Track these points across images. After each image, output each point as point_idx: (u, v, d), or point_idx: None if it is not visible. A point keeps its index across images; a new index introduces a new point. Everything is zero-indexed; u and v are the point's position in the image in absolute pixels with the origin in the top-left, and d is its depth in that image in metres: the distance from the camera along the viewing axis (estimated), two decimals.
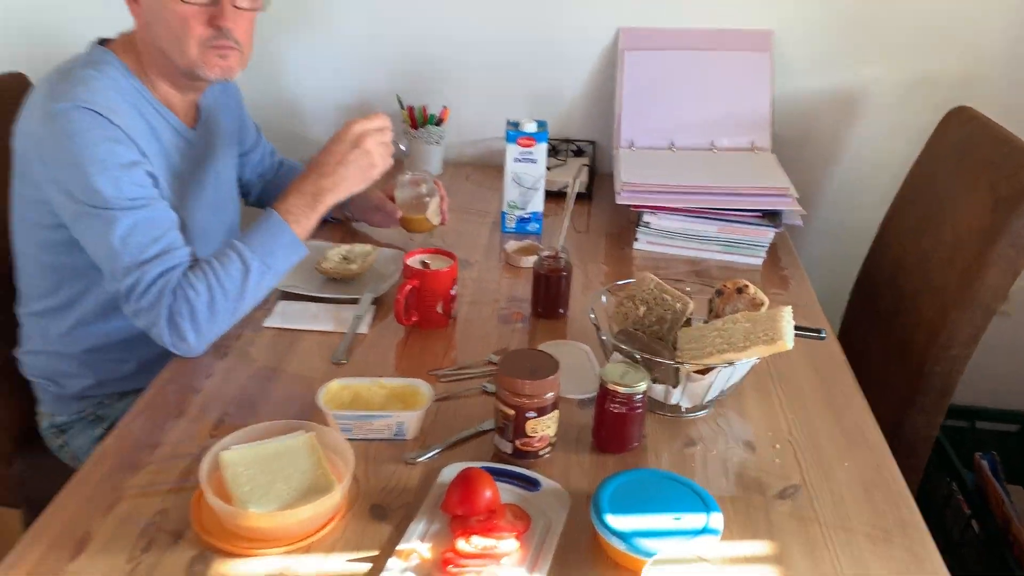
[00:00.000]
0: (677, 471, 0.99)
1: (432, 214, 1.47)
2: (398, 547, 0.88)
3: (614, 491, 0.92)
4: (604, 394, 1.03)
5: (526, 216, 1.62)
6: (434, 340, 1.29)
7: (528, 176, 1.58)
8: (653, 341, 1.13)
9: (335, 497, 0.90)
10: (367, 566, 0.87)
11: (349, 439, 0.98)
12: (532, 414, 0.99)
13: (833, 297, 1.84)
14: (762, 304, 1.14)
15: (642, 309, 1.17)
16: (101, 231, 1.14)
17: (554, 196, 1.74)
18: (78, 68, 1.21)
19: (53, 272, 1.30)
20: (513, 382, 0.98)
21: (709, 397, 1.10)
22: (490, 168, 1.94)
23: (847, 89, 1.87)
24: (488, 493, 0.92)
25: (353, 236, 1.59)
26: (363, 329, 1.29)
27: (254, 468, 0.93)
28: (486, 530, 0.89)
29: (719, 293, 1.18)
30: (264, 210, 1.26)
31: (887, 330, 1.59)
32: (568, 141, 1.97)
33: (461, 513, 0.91)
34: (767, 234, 1.55)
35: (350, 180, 1.27)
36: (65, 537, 0.89)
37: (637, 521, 0.87)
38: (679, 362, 1.06)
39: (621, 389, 1.01)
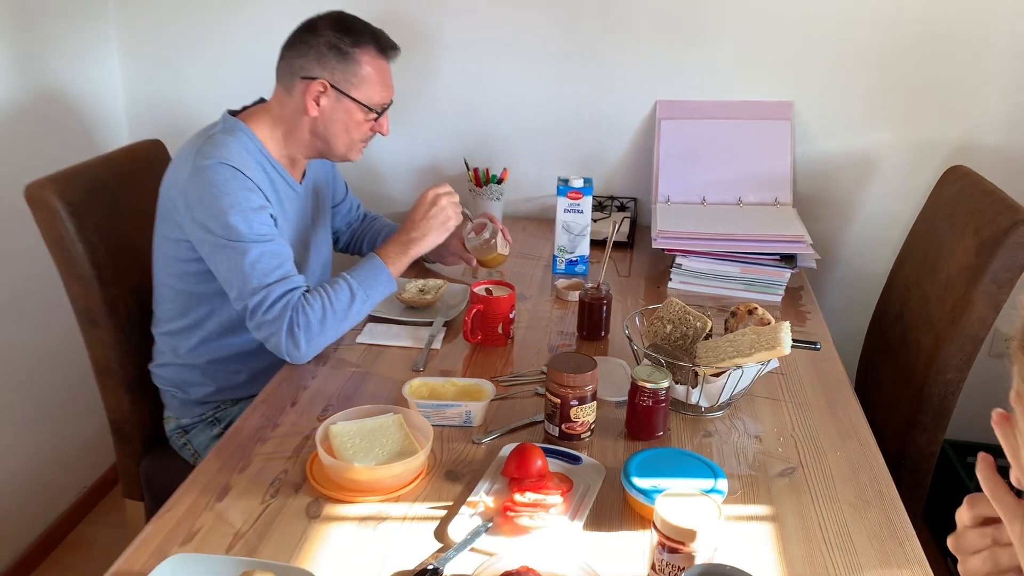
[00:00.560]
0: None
1: (500, 247, 1.74)
2: (468, 499, 1.12)
3: (640, 461, 1.15)
4: (634, 390, 1.26)
5: (574, 259, 1.88)
6: (495, 355, 1.54)
7: (576, 224, 1.85)
8: (676, 351, 1.37)
9: (419, 458, 1.15)
10: (443, 512, 1.11)
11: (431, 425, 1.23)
12: (575, 402, 1.23)
13: (853, 336, 2.05)
14: (768, 323, 1.37)
15: (668, 327, 1.41)
16: (235, 259, 1.43)
17: (599, 244, 2.01)
18: (218, 134, 1.53)
19: (184, 298, 1.60)
20: (560, 375, 1.23)
21: (723, 398, 1.32)
22: (543, 221, 2.22)
23: (861, 152, 2.11)
24: (539, 462, 1.16)
25: (427, 273, 1.87)
26: (436, 345, 1.56)
27: (356, 437, 1.19)
28: (537, 488, 1.12)
29: (733, 314, 1.41)
30: (367, 255, 1.57)
31: (893, 361, 1.79)
32: (612, 198, 2.24)
33: (517, 476, 1.14)
34: (784, 274, 1.78)
35: (433, 232, 1.60)
36: (211, 487, 1.15)
37: (657, 482, 1.10)
38: (696, 365, 1.29)
39: (648, 385, 1.25)
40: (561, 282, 1.81)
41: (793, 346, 1.28)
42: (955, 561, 0.72)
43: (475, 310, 1.53)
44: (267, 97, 1.63)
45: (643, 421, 1.27)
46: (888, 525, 1.11)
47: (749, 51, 2.09)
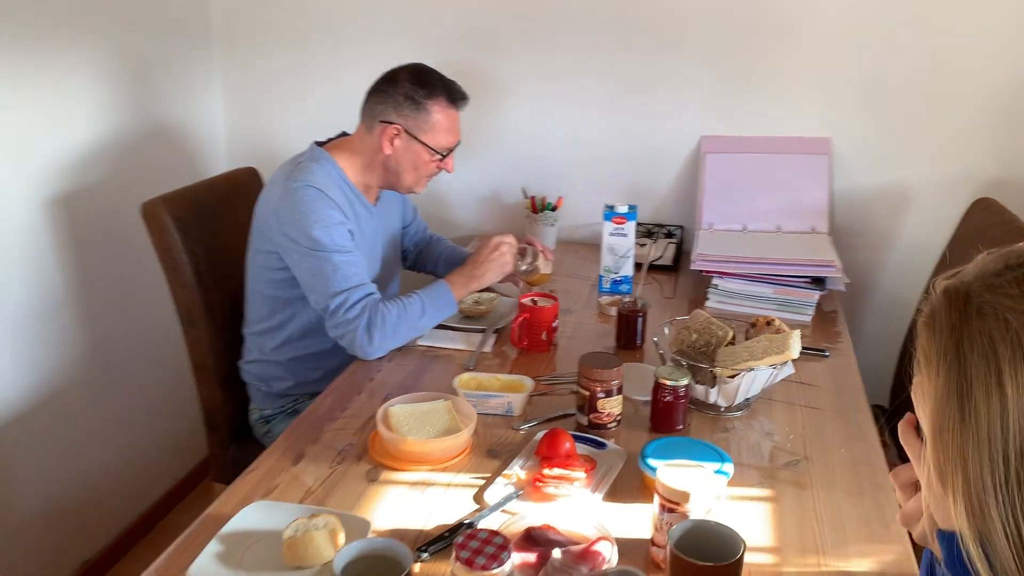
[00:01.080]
0: None
1: (543, 267, 1.92)
2: (504, 472, 1.30)
3: (657, 446, 1.30)
4: (657, 387, 1.42)
5: (618, 279, 2.05)
6: (538, 360, 1.72)
7: (620, 246, 2.02)
8: (699, 356, 1.52)
9: (463, 435, 1.33)
10: (482, 482, 1.29)
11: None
12: (601, 395, 1.40)
13: (887, 361, 2.15)
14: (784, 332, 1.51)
15: (694, 336, 1.57)
16: (318, 266, 1.66)
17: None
18: (305, 161, 1.77)
19: (271, 303, 1.84)
20: (589, 370, 1.40)
21: (739, 398, 1.47)
22: (594, 246, 2.37)
23: (896, 185, 2.22)
24: (567, 444, 1.33)
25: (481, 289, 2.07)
26: (487, 349, 1.75)
27: (411, 417, 1.38)
28: (564, 465, 1.29)
29: (753, 325, 1.56)
30: (437, 281, 1.80)
31: None
32: (661, 225, 2.41)
33: (548, 455, 1.31)
34: (813, 296, 1.91)
35: (491, 273, 1.82)
36: (288, 454, 1.36)
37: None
38: (712, 367, 1.45)
39: (669, 383, 1.41)
40: (604, 299, 1.98)
41: (803, 352, 1.42)
42: None
43: (522, 318, 1.72)
44: (348, 131, 1.87)
45: (664, 416, 1.43)
46: (877, 509, 1.24)
47: (789, 91, 2.24)
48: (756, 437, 1.44)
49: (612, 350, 1.77)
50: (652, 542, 1.12)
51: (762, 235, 2.19)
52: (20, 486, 1.98)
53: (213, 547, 1.11)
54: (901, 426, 0.81)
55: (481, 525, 1.16)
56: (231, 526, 1.15)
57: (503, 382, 1.53)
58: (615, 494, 1.27)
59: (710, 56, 2.26)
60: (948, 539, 0.71)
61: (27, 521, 2.01)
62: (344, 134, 1.89)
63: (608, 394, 1.41)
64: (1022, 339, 0.66)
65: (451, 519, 1.20)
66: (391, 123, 1.76)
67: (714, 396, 1.47)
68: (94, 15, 2.08)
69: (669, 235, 2.38)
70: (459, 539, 0.98)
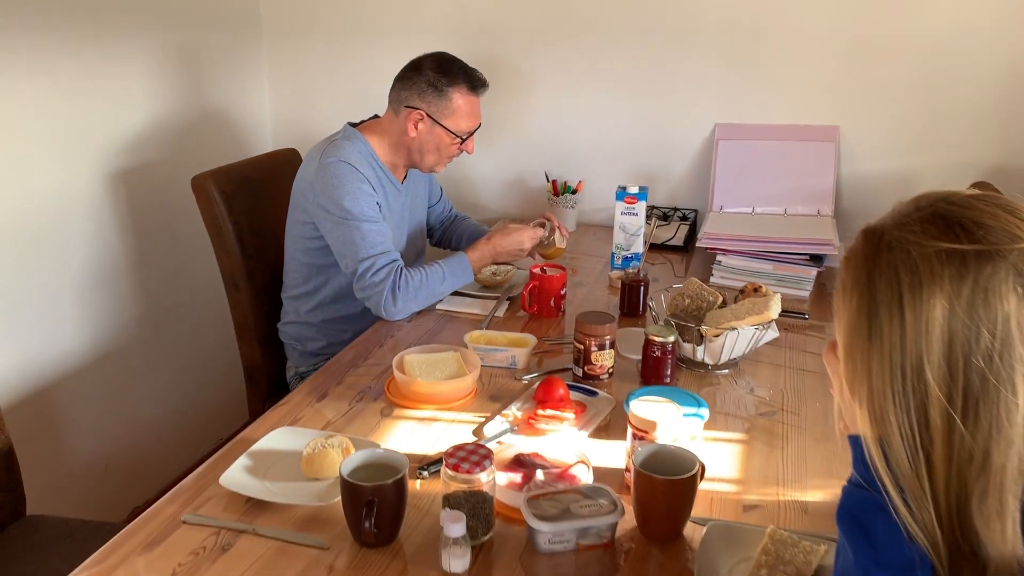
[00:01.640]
0: None
1: (559, 241, 2.06)
2: (502, 411, 1.45)
3: (642, 392, 1.44)
4: (647, 343, 1.56)
5: (629, 255, 2.18)
6: (547, 324, 1.87)
7: (631, 225, 2.15)
8: (690, 318, 1.65)
9: (468, 379, 1.49)
10: (482, 419, 1.44)
11: (481, 365, 1.57)
12: (595, 348, 1.54)
13: None
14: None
15: (687, 301, 1.70)
16: (348, 234, 1.83)
17: (657, 247, 2.32)
18: (339, 139, 1.94)
19: (307, 269, 2.02)
20: (584, 326, 1.54)
21: (724, 356, 1.59)
22: (611, 228, 2.52)
23: (901, 172, 2.31)
24: (561, 390, 1.47)
25: (498, 258, 2.22)
26: (500, 313, 1.90)
27: (423, 364, 1.54)
28: (557, 407, 1.44)
29: (742, 291, 1.69)
30: (458, 252, 1.96)
31: None
32: (676, 209, 2.53)
33: (543, 399, 1.46)
34: (811, 272, 2.02)
35: (505, 255, 1.99)
36: (314, 392, 1.53)
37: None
38: (698, 326, 1.58)
39: (657, 339, 1.54)
40: (614, 273, 2.12)
41: (782, 314, 1.54)
42: None
43: (532, 285, 1.87)
44: (379, 113, 2.04)
45: (653, 369, 1.56)
46: (841, 452, 1.34)
47: (799, 81, 2.35)
48: (739, 392, 1.56)
49: (617, 317, 1.90)
50: (625, 469, 1.26)
51: (768, 217, 2.30)
52: (80, 434, 2.20)
53: (242, 461, 1.28)
54: (824, 349, 0.93)
55: None
56: (259, 445, 1.32)
57: (509, 339, 1.68)
58: (600, 433, 1.41)
59: (724, 48, 2.38)
60: (855, 442, 0.84)
61: (86, 466, 2.22)
62: (376, 116, 2.06)
63: (601, 348, 1.55)
64: (920, 269, 0.77)
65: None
66: (415, 108, 1.92)
67: (701, 354, 1.60)
68: (156, 11, 2.30)
69: (684, 218, 2.50)
70: (449, 450, 1.13)
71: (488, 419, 1.44)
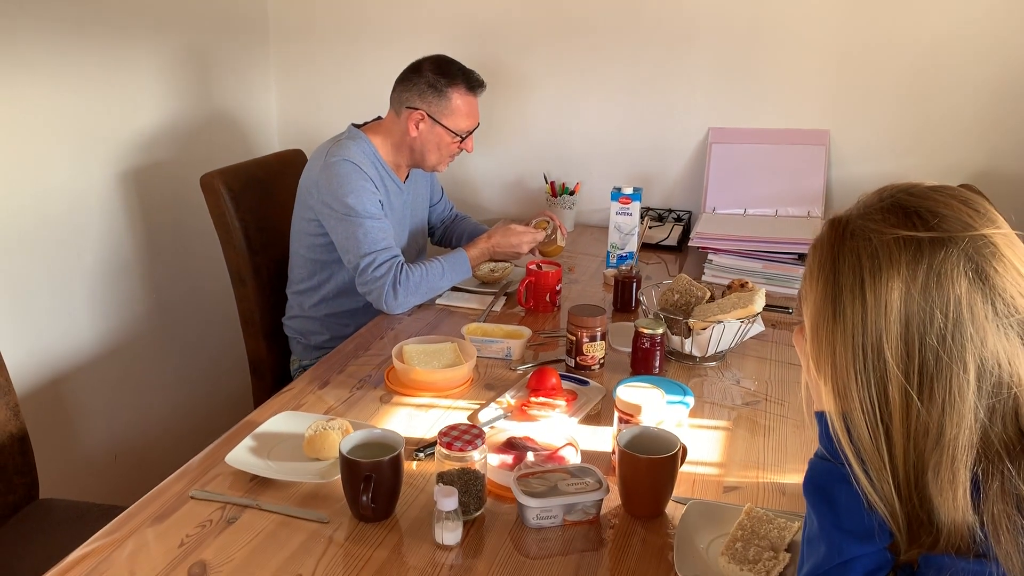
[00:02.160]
0: None
1: (559, 239, 2.13)
2: (497, 399, 1.51)
3: (630, 381, 1.50)
4: (637, 335, 1.62)
5: (624, 254, 2.24)
6: (542, 318, 1.93)
7: (625, 224, 2.21)
8: (679, 312, 1.71)
9: (464, 368, 1.55)
10: (477, 406, 1.50)
11: (478, 356, 1.63)
12: (587, 339, 1.60)
13: None
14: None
15: (676, 296, 1.76)
16: (351, 230, 1.89)
17: (652, 247, 2.38)
18: (344, 140, 2.01)
19: (311, 265, 2.08)
20: (576, 318, 1.60)
21: (712, 349, 1.65)
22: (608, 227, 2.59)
23: (890, 175, 2.32)
24: (554, 379, 1.53)
25: (496, 257, 2.28)
26: (497, 308, 1.96)
27: (422, 353, 1.60)
28: (549, 395, 1.50)
29: (729, 287, 1.75)
30: (457, 249, 2.02)
31: None
32: (671, 210, 2.60)
33: (536, 387, 1.52)
34: (798, 271, 2.08)
35: (503, 255, 2.06)
36: (317, 380, 1.60)
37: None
38: (685, 319, 1.64)
39: (647, 331, 1.60)
40: (608, 271, 2.18)
41: (766, 308, 1.60)
42: None
43: (528, 281, 1.93)
44: (382, 115, 2.11)
45: (642, 360, 1.62)
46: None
47: (790, 86, 2.41)
48: (726, 383, 1.62)
49: (610, 312, 1.96)
50: (612, 451, 1.32)
51: (760, 218, 2.36)
52: (91, 422, 2.26)
53: (247, 442, 1.34)
54: (795, 331, 0.99)
55: None
56: (263, 428, 1.38)
57: (505, 331, 1.74)
58: (590, 420, 1.47)
59: (718, 54, 2.45)
60: (820, 417, 0.90)
61: (97, 453, 2.29)
62: (379, 118, 2.13)
63: (593, 339, 1.61)
64: (880, 254, 0.83)
65: None
66: (416, 108, 1.99)
67: (689, 346, 1.66)
68: (166, 16, 2.37)
69: (678, 219, 2.56)
70: (443, 429, 1.19)
71: (483, 406, 1.50)
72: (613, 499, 1.22)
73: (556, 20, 2.56)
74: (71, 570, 1.08)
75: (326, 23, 2.77)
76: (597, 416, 1.49)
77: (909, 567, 0.81)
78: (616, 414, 1.31)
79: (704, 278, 2.17)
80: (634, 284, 1.94)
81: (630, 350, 1.68)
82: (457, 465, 1.16)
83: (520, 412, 1.47)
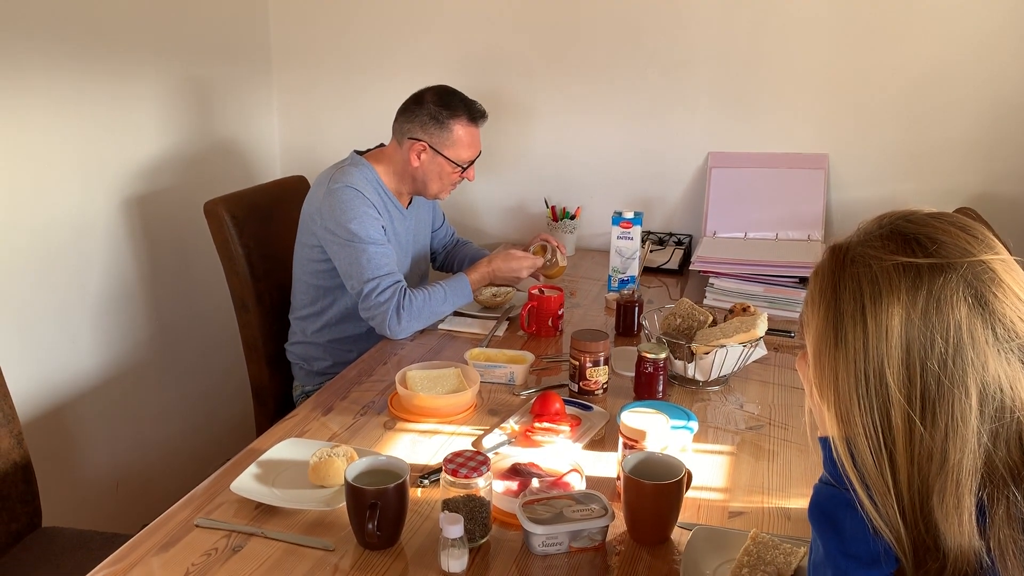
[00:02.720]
0: None
1: (560, 260, 2.15)
2: (501, 424, 1.52)
3: (634, 406, 1.50)
4: (640, 360, 1.62)
5: (625, 278, 2.25)
6: (545, 343, 1.93)
7: (626, 249, 2.23)
8: (682, 337, 1.72)
9: (468, 394, 1.55)
10: (481, 432, 1.50)
11: (481, 381, 1.64)
12: (590, 364, 1.61)
13: None
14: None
15: (679, 320, 1.76)
16: (354, 256, 1.90)
17: (653, 271, 2.40)
18: (346, 166, 2.03)
19: (314, 291, 2.09)
20: (580, 343, 1.61)
21: (714, 373, 1.66)
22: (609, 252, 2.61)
23: (888, 198, 2.39)
24: (557, 404, 1.53)
25: (496, 281, 2.29)
26: (499, 333, 1.97)
27: (425, 379, 1.61)
28: (553, 421, 1.50)
29: (731, 311, 1.75)
30: (458, 274, 2.04)
31: None
32: (671, 234, 2.61)
33: (540, 412, 1.52)
34: (799, 294, 2.09)
35: (502, 280, 2.08)
36: (320, 407, 1.60)
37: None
38: (688, 344, 1.64)
39: (650, 356, 1.60)
40: (610, 295, 2.19)
41: (768, 332, 1.61)
42: None
43: (530, 306, 1.94)
44: (384, 142, 2.13)
45: (645, 385, 1.62)
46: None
47: (789, 111, 2.44)
48: (729, 407, 1.63)
49: (612, 336, 1.97)
50: (617, 477, 1.32)
51: (760, 241, 2.37)
52: (94, 450, 2.26)
53: (252, 470, 1.34)
54: (798, 357, 1.00)
55: None
56: (267, 455, 1.38)
57: (508, 356, 1.75)
58: (594, 445, 1.47)
59: (717, 79, 2.47)
60: (824, 443, 0.90)
61: (99, 481, 2.28)
62: (381, 145, 2.14)
63: (596, 364, 1.61)
64: (879, 280, 0.84)
65: None
66: (418, 140, 2.01)
67: (692, 371, 1.67)
68: (171, 45, 2.40)
69: (679, 243, 2.58)
70: (448, 456, 1.19)
71: (487, 432, 1.50)
72: (618, 525, 1.22)
73: (556, 48, 2.59)
74: None
75: (328, 51, 2.80)
76: (601, 441, 1.49)
77: None
78: (620, 439, 1.31)
79: (706, 302, 2.18)
80: (636, 308, 1.95)
81: (633, 375, 1.68)
82: (462, 492, 1.16)
83: (524, 438, 1.47)
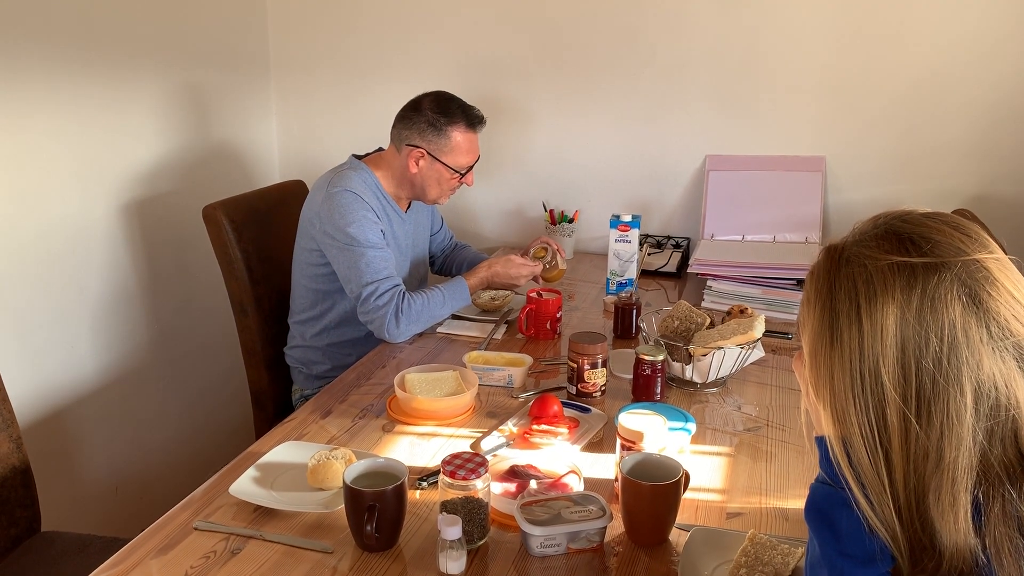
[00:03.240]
0: None
1: (560, 263, 2.15)
2: (499, 427, 1.52)
3: (632, 407, 1.50)
4: (638, 362, 1.63)
5: (623, 281, 2.25)
6: (543, 346, 1.94)
7: (624, 252, 2.23)
8: (679, 339, 1.72)
9: (466, 397, 1.56)
10: (480, 434, 1.51)
11: (479, 384, 1.64)
12: (588, 366, 1.61)
13: None
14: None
15: (676, 322, 1.77)
16: (353, 259, 1.91)
17: (651, 274, 2.40)
18: (345, 170, 2.03)
19: (313, 295, 2.09)
20: (577, 345, 1.61)
21: (712, 375, 1.66)
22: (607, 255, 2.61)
23: (885, 200, 2.39)
24: (555, 407, 1.54)
25: (495, 286, 2.30)
26: (498, 336, 1.97)
27: (424, 382, 1.61)
28: (551, 423, 1.50)
29: (728, 313, 1.76)
30: (457, 277, 2.04)
31: None
32: (669, 237, 2.61)
33: (538, 415, 1.53)
34: (797, 296, 2.09)
35: (500, 284, 2.09)
36: (319, 410, 1.60)
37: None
38: (685, 346, 1.65)
39: (648, 358, 1.61)
40: (608, 298, 2.19)
41: (766, 334, 1.61)
42: None
43: (528, 309, 1.94)
44: (383, 146, 2.13)
45: (644, 387, 1.63)
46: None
47: (786, 113, 2.44)
48: (727, 409, 1.63)
49: (610, 339, 1.97)
50: (615, 479, 1.32)
51: (758, 244, 2.38)
52: (93, 454, 2.26)
53: (250, 473, 1.35)
54: (794, 357, 1.00)
55: None
56: (266, 458, 1.39)
57: (506, 359, 1.75)
58: (593, 447, 1.47)
59: (714, 82, 2.48)
60: (821, 442, 0.91)
61: (99, 485, 2.28)
62: (380, 149, 2.15)
63: (594, 366, 1.62)
64: (874, 280, 0.84)
65: None
66: (416, 147, 2.01)
67: (690, 372, 1.67)
68: (171, 51, 2.40)
69: (677, 246, 2.58)
70: (446, 458, 1.19)
71: (485, 434, 1.50)
72: (616, 527, 1.22)
73: (554, 51, 2.60)
74: None
75: (326, 55, 2.81)
76: (599, 443, 1.49)
77: None
78: (618, 441, 1.31)
79: (704, 304, 2.18)
80: (634, 311, 1.95)
81: (631, 377, 1.68)
82: (460, 494, 1.16)
83: (522, 440, 1.47)
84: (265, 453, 1.40)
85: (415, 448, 1.47)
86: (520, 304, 2.14)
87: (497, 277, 2.07)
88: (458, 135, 2.02)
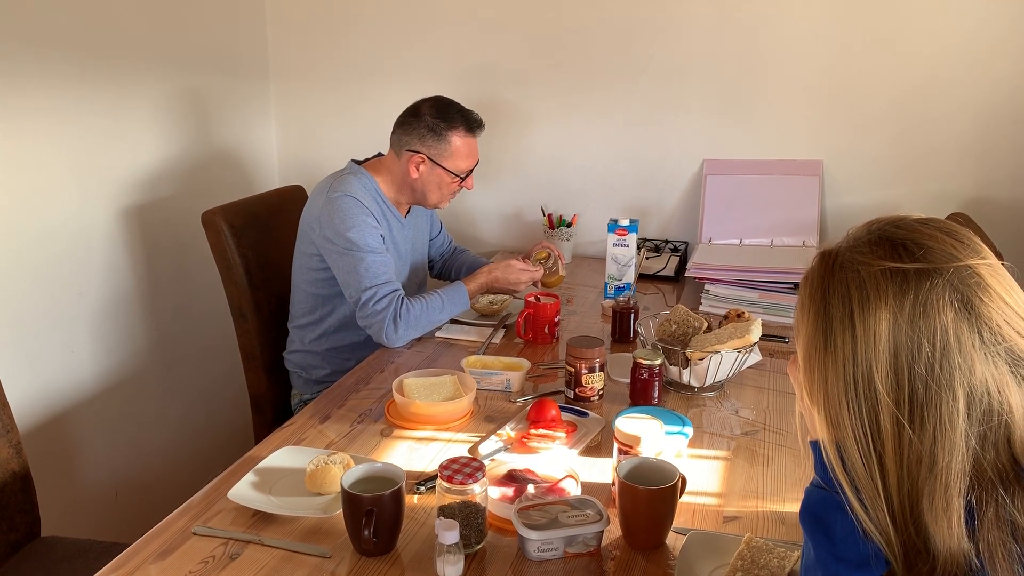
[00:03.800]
0: None
1: (560, 269, 2.16)
2: (497, 431, 1.52)
3: (629, 412, 1.51)
4: (635, 366, 1.63)
5: (621, 285, 2.26)
6: (541, 350, 1.94)
7: (622, 256, 2.23)
8: (677, 343, 1.73)
9: (464, 401, 1.56)
10: (478, 439, 1.51)
11: (477, 388, 1.65)
12: (585, 371, 1.62)
13: None
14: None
15: (674, 326, 1.77)
16: (352, 264, 1.91)
17: (649, 278, 2.41)
18: (345, 175, 2.04)
19: (313, 299, 2.10)
20: (575, 350, 1.62)
21: (710, 379, 1.66)
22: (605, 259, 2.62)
23: (882, 204, 2.40)
24: (553, 411, 1.54)
25: (495, 290, 2.30)
26: (496, 340, 1.98)
27: (422, 386, 1.62)
28: (549, 427, 1.51)
29: (725, 317, 1.76)
30: (456, 282, 2.05)
31: None
32: (667, 241, 2.62)
33: (536, 419, 1.53)
34: (794, 300, 2.09)
35: (499, 289, 2.11)
36: (319, 414, 1.61)
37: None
38: (683, 350, 1.65)
39: (644, 362, 1.61)
40: (606, 302, 2.20)
41: (763, 338, 1.62)
42: None
43: (526, 313, 1.95)
44: (383, 151, 2.14)
45: (641, 391, 1.63)
46: None
47: (784, 118, 2.45)
48: (724, 413, 1.64)
49: (608, 343, 1.98)
50: (612, 483, 1.33)
51: (755, 248, 2.38)
52: (93, 459, 2.27)
53: (249, 478, 1.35)
54: (789, 362, 1.00)
55: None
56: (265, 463, 1.39)
57: (504, 363, 1.76)
58: (590, 451, 1.48)
59: (711, 87, 2.49)
60: (815, 446, 0.91)
61: (98, 490, 2.29)
62: (379, 154, 2.16)
63: (591, 370, 1.62)
64: (867, 286, 0.85)
65: None
66: (416, 152, 2.02)
67: (687, 376, 1.68)
68: (170, 56, 2.41)
69: (675, 250, 2.59)
70: (444, 463, 1.20)
71: (483, 438, 1.51)
72: (614, 531, 1.23)
73: (552, 56, 2.61)
74: None
75: (325, 61, 2.82)
76: (597, 447, 1.50)
77: None
78: (615, 445, 1.32)
79: (701, 308, 2.19)
80: (632, 315, 1.96)
81: (629, 381, 1.69)
82: (458, 498, 1.16)
83: (520, 444, 1.47)
84: (264, 458, 1.41)
85: (413, 452, 1.47)
86: (518, 308, 2.14)
87: (497, 282, 2.08)
88: (458, 139, 2.03)
